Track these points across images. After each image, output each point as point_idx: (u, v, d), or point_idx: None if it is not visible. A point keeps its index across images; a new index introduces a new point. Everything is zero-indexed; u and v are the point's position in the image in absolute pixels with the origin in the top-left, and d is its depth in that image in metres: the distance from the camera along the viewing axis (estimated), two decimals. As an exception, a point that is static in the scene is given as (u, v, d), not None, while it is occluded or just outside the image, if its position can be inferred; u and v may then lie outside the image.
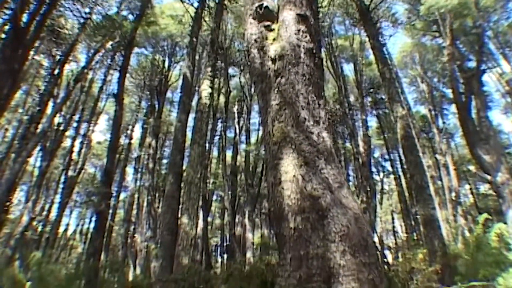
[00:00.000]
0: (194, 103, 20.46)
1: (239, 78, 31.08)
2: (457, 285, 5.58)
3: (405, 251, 5.28)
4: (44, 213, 25.96)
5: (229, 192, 27.10)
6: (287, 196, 4.48)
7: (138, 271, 23.49)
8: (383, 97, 26.82)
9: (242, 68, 29.86)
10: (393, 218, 41.14)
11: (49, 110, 19.97)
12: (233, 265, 4.61)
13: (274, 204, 4.70)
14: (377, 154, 37.88)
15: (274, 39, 5.71)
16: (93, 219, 21.96)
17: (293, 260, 4.18)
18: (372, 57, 22.68)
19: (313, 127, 4.94)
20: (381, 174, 37.63)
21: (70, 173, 26.01)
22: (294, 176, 4.53)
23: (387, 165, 36.51)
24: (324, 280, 3.95)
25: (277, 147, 4.87)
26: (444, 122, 30.35)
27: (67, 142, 27.40)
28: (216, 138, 30.93)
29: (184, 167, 14.10)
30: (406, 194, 27.33)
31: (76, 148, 27.86)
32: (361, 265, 3.96)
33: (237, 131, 30.71)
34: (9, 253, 20.18)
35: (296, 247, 4.22)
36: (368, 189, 22.00)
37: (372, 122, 34.16)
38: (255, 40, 6.02)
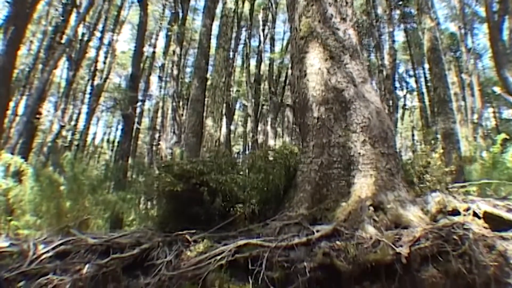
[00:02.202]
0: (218, 11, 20.02)
1: (264, -16, 29.92)
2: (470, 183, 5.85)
3: (422, 146, 5.46)
4: (73, 122, 26.84)
5: (253, 100, 27.28)
6: (312, 87, 4.69)
7: (163, 175, 24.47)
8: (412, 11, 25.74)
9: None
10: (413, 135, 41.12)
11: (72, 21, 19.83)
12: (257, 152, 4.89)
13: (298, 95, 4.93)
14: (401, 70, 36.98)
15: None
16: (120, 126, 22.65)
17: (316, 148, 4.49)
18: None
19: (339, 23, 5.02)
20: (404, 90, 36.97)
21: (96, 82, 26.47)
22: (319, 69, 4.71)
23: (411, 81, 35.79)
24: (344, 167, 4.28)
25: (304, 41, 5.00)
26: (473, 42, 29.23)
27: (91, 53, 27.48)
28: (240, 46, 30.57)
29: (208, 75, 14.27)
30: (428, 111, 27.10)
31: (101, 58, 28.08)
32: (380, 155, 4.25)
33: (262, 39, 30.14)
34: (43, 160, 21.34)
35: (319, 135, 4.50)
36: (391, 103, 21.94)
37: (399, 37, 33.05)
38: None
